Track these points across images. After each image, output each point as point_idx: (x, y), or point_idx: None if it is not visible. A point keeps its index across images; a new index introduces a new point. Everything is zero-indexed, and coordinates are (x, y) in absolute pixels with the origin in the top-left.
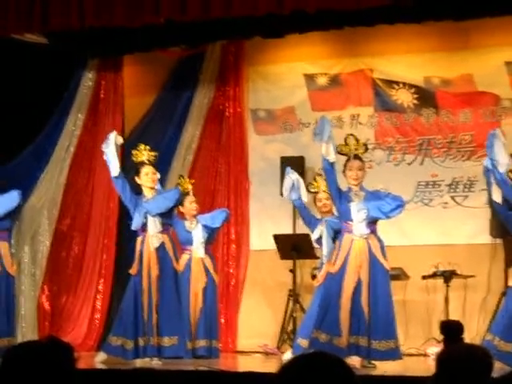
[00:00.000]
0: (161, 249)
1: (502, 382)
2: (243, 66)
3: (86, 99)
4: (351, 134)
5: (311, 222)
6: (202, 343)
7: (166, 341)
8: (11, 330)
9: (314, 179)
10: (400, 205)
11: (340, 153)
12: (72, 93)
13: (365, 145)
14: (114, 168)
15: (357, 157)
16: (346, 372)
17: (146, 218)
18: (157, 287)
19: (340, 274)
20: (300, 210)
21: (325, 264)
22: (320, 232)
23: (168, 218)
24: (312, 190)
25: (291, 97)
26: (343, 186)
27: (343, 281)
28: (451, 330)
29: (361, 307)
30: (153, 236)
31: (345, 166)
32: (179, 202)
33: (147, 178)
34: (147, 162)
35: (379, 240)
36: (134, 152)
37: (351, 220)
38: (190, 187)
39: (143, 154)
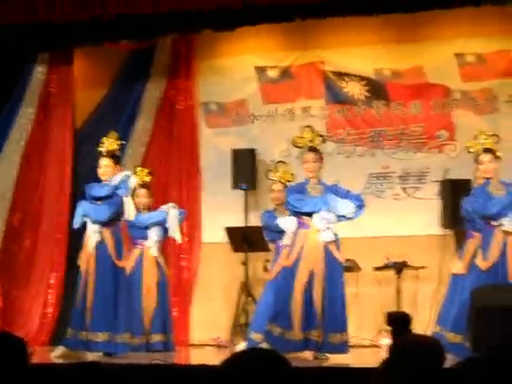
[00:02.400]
0: (100, 245)
1: (454, 372)
2: (194, 60)
3: (37, 93)
4: (308, 126)
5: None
6: (157, 337)
7: (100, 336)
8: None
9: (275, 168)
10: (362, 205)
11: (295, 145)
12: (22, 87)
13: (321, 136)
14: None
15: (312, 149)
16: (283, 368)
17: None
18: (93, 282)
19: (293, 267)
20: None
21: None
22: None
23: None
24: (271, 178)
25: (242, 89)
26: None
27: (296, 275)
28: (397, 322)
29: (313, 301)
30: (92, 232)
31: (302, 158)
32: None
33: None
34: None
35: (334, 234)
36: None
37: (308, 215)
38: (147, 180)
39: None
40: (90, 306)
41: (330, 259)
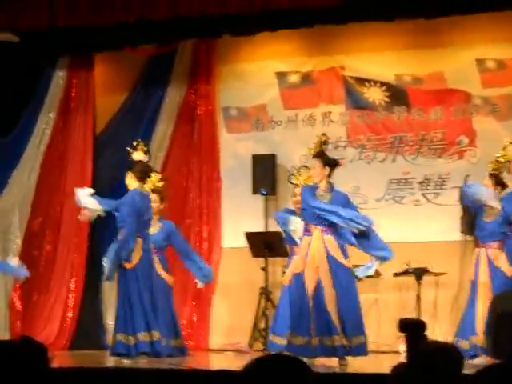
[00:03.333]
0: None
1: (475, 378)
2: (214, 65)
3: (57, 98)
4: (323, 134)
5: None
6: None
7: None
8: None
9: (298, 171)
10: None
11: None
12: (43, 91)
13: (325, 142)
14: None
15: (315, 156)
16: (305, 375)
17: None
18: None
19: (302, 274)
20: None
21: (290, 264)
22: None
23: None
24: (293, 182)
25: (263, 95)
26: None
27: (305, 282)
28: (410, 328)
29: (325, 306)
30: None
31: None
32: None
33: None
34: None
35: (337, 239)
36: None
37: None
38: (159, 185)
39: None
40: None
41: (334, 264)
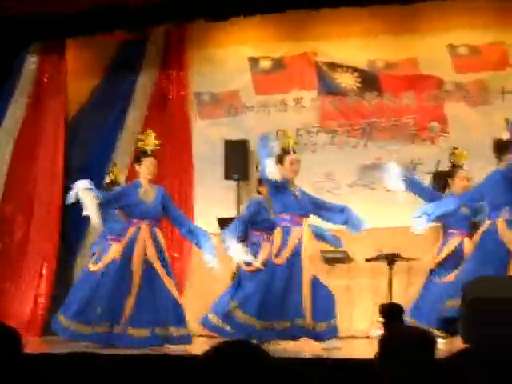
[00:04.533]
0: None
1: (446, 362)
2: (187, 50)
3: (29, 83)
4: (280, 130)
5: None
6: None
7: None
8: None
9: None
10: None
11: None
12: (15, 77)
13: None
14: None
15: (294, 150)
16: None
17: None
18: None
19: (287, 264)
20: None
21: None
22: None
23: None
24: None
25: (235, 80)
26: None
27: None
28: (391, 313)
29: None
30: None
31: (282, 159)
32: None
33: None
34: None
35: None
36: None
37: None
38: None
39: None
40: None
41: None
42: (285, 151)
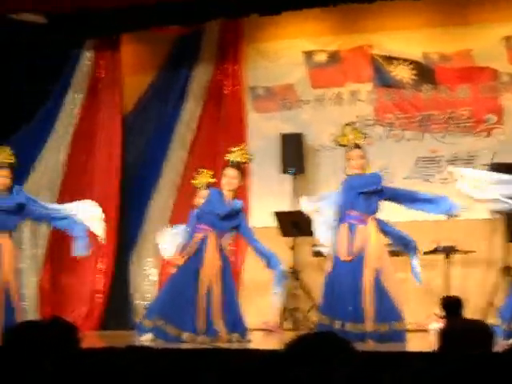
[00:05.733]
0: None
1: (506, 355)
2: (242, 44)
3: (85, 79)
4: (348, 124)
5: None
6: None
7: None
8: None
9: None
10: None
11: (339, 144)
12: (70, 72)
13: (363, 133)
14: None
15: (357, 146)
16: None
17: None
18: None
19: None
20: None
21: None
22: None
23: None
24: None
25: (290, 74)
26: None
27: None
28: (451, 306)
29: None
30: None
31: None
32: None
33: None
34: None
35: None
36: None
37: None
38: (211, 181)
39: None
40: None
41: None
42: (348, 147)
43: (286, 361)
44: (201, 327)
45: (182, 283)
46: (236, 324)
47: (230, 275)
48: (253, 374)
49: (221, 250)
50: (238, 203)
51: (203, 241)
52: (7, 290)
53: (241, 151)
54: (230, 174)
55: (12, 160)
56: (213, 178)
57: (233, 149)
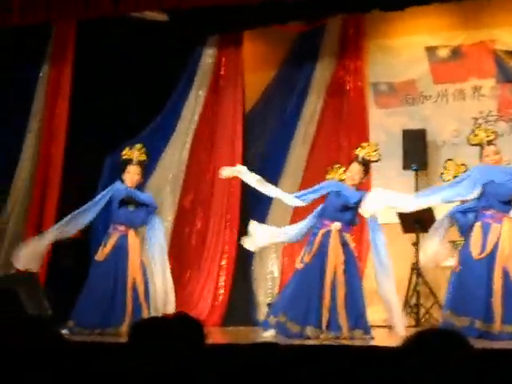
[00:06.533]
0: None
1: None
2: (363, 40)
3: (207, 76)
4: (478, 127)
5: None
6: None
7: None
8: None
9: (446, 168)
10: None
11: (472, 144)
12: (192, 70)
13: (494, 131)
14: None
15: (490, 143)
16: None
17: None
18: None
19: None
20: None
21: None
22: None
23: None
24: (445, 179)
25: (412, 69)
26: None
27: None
28: None
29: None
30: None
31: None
32: None
33: None
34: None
35: None
36: None
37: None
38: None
39: None
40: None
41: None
42: (482, 146)
43: (402, 356)
44: (324, 323)
45: (306, 279)
46: (358, 320)
47: (354, 270)
48: (372, 369)
49: (344, 244)
50: (363, 193)
51: (326, 236)
52: (135, 286)
53: (371, 149)
54: (355, 169)
55: (143, 158)
56: (345, 173)
57: (363, 144)
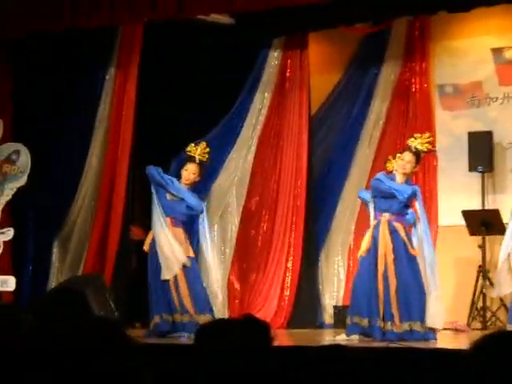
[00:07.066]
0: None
1: None
2: (429, 41)
3: (272, 78)
4: None
5: None
6: None
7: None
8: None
9: None
10: None
11: None
12: (258, 72)
13: None
14: None
15: None
16: None
17: None
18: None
19: None
20: None
21: None
22: None
23: None
24: None
25: (478, 71)
26: None
27: None
28: None
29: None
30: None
31: None
32: None
33: None
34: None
35: None
36: None
37: None
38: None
39: None
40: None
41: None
42: None
43: (471, 360)
44: (381, 314)
45: (363, 274)
46: (412, 311)
47: (406, 261)
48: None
49: (393, 232)
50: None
51: (377, 227)
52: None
53: (424, 139)
54: (407, 158)
55: (204, 158)
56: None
57: (416, 135)
